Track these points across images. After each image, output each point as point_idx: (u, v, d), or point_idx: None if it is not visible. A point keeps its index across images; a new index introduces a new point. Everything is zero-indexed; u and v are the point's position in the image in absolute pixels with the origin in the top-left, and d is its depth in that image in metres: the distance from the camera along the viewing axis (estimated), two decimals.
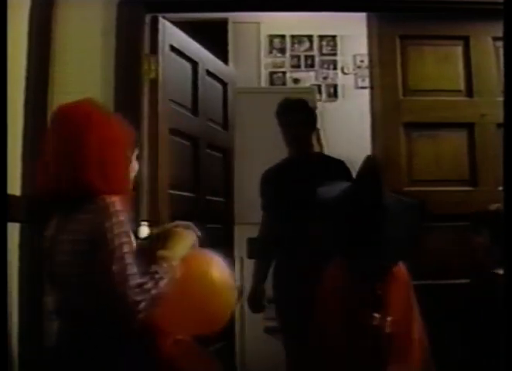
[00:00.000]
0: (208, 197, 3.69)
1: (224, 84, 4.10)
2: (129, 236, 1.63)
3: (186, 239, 1.84)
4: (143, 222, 2.88)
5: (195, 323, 1.85)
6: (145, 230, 2.83)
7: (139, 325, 1.59)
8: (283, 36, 6.12)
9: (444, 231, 3.27)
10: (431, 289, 3.16)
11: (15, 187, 2.62)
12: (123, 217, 1.63)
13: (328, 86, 5.98)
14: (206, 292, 1.83)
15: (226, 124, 4.10)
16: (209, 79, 3.85)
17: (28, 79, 2.85)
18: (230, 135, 4.10)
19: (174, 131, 3.35)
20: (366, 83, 5.50)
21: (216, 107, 4.00)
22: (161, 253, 1.71)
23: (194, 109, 3.65)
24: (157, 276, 1.61)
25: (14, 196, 2.56)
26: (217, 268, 1.90)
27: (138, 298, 1.54)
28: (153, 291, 1.58)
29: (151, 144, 3.15)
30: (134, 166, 2.00)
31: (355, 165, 5.14)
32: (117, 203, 1.64)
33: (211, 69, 3.86)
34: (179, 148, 3.44)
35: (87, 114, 1.82)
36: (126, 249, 1.59)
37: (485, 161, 3.32)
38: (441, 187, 3.34)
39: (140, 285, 1.56)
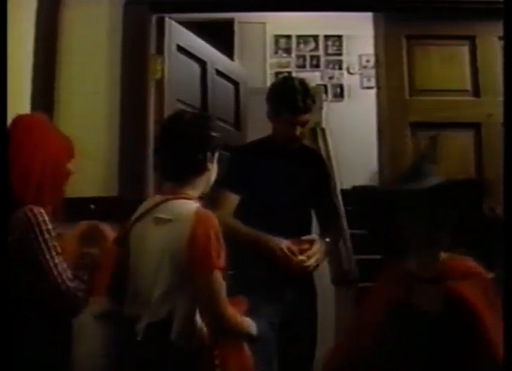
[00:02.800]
0: None
1: (236, 84, 4.08)
2: (56, 241, 1.91)
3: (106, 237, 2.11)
4: None
5: None
6: None
7: (83, 306, 1.91)
8: (289, 36, 6.13)
9: None
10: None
11: None
12: (50, 225, 1.90)
13: (334, 86, 5.99)
14: None
15: (238, 123, 4.08)
16: (218, 78, 3.82)
17: (34, 79, 2.86)
18: (242, 135, 4.06)
19: None
20: (372, 83, 5.49)
21: (228, 106, 3.97)
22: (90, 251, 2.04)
23: (203, 108, 3.63)
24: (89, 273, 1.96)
25: None
26: None
27: (81, 287, 1.89)
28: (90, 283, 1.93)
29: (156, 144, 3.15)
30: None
31: (361, 165, 5.15)
32: (43, 213, 1.90)
33: (221, 69, 3.83)
34: None
35: (30, 130, 2.02)
36: (57, 249, 1.89)
37: (491, 161, 3.31)
38: None
39: (76, 276, 1.91)
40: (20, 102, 2.73)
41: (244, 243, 2.54)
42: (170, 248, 1.93)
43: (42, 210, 1.93)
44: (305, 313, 2.65)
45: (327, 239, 2.68)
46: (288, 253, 2.48)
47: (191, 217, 1.92)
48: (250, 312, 2.11)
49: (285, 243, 2.48)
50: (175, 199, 2.00)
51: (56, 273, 1.88)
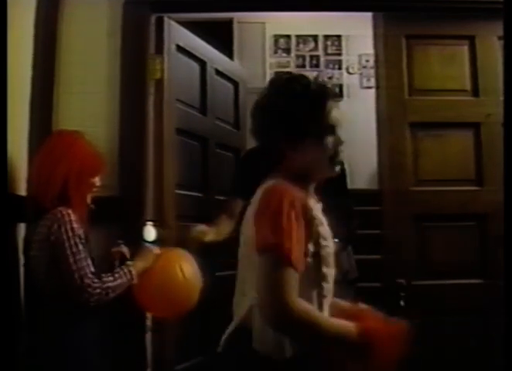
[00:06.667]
0: (218, 197, 3.65)
1: (235, 83, 4.09)
2: (80, 238, 2.19)
3: (148, 257, 2.43)
4: (148, 222, 2.87)
5: (168, 306, 2.43)
6: (151, 230, 2.83)
7: (96, 302, 2.16)
8: (288, 36, 6.13)
9: (450, 231, 3.26)
10: (437, 289, 3.16)
11: (19, 188, 2.62)
12: (75, 224, 2.19)
13: (333, 86, 5.97)
14: (177, 281, 2.39)
15: (237, 123, 4.08)
16: (218, 78, 3.83)
17: (33, 79, 2.86)
18: (242, 135, 4.06)
19: (181, 131, 3.35)
20: (372, 82, 5.50)
21: (227, 106, 3.98)
22: (128, 262, 2.38)
23: (203, 109, 3.65)
24: (116, 275, 2.25)
25: (18, 196, 2.56)
26: (187, 262, 2.47)
27: (95, 285, 2.15)
28: (110, 284, 2.20)
29: (156, 144, 3.15)
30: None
31: (360, 165, 5.15)
32: (71, 214, 2.20)
33: (220, 69, 3.84)
34: (187, 148, 3.44)
35: (69, 146, 2.34)
36: (79, 247, 2.17)
37: (491, 161, 3.30)
38: (447, 187, 3.33)
39: (98, 275, 2.19)
40: (20, 102, 2.73)
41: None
42: (242, 233, 1.72)
43: (71, 212, 2.21)
44: None
45: (335, 240, 2.73)
46: None
47: (259, 195, 1.67)
48: None
49: None
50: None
51: (75, 268, 2.13)
